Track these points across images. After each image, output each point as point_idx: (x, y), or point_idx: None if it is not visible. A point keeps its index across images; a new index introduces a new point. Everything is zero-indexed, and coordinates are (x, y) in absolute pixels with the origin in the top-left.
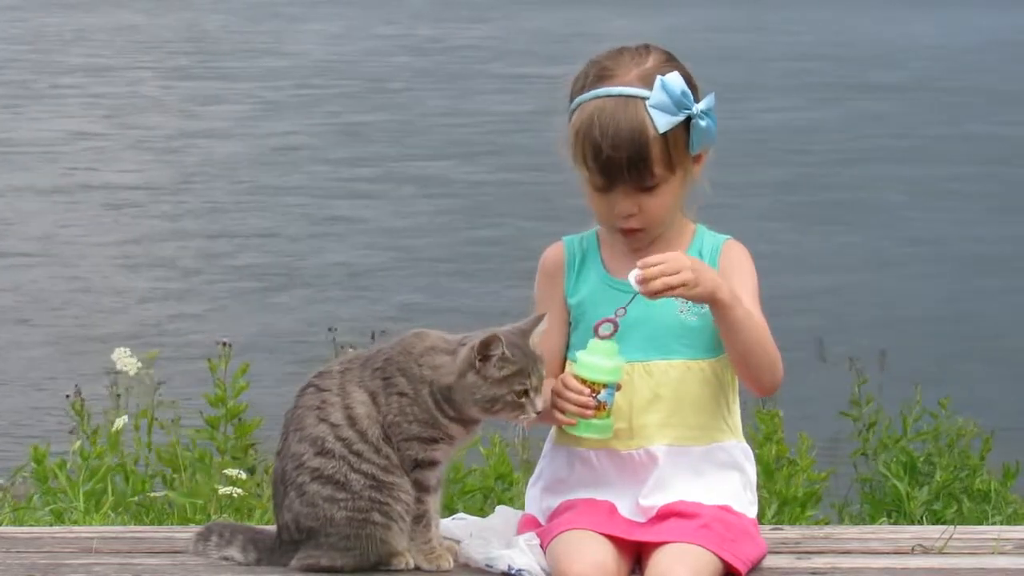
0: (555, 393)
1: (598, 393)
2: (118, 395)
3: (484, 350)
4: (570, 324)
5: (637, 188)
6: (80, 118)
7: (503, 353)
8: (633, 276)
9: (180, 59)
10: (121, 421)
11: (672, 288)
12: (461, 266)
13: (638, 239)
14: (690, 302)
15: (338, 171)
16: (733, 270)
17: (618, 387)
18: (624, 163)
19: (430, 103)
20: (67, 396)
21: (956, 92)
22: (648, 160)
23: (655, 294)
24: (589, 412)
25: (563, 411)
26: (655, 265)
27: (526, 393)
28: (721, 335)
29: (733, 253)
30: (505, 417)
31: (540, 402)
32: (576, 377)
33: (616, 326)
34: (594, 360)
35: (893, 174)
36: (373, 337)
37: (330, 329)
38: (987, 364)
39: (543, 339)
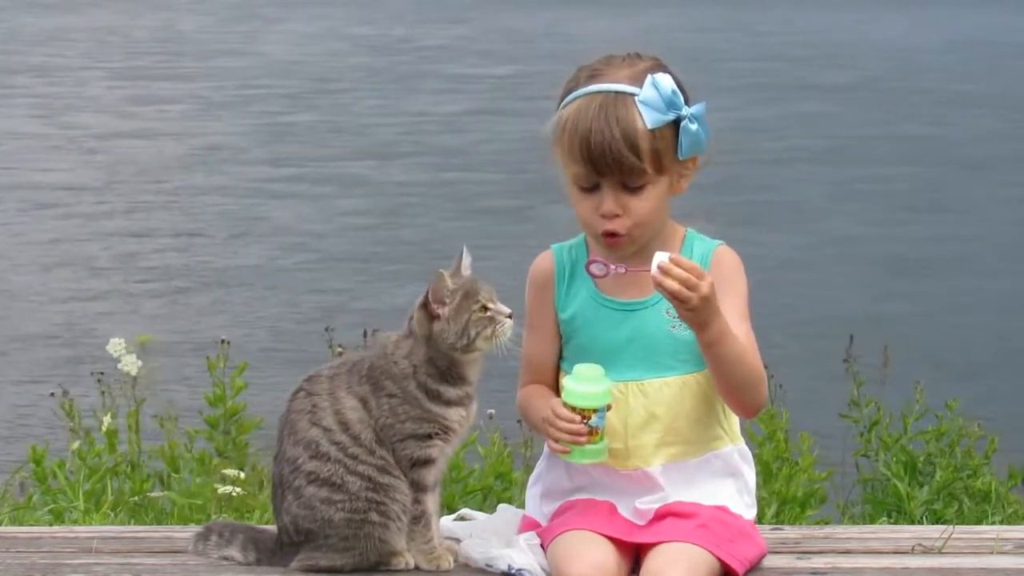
0: (546, 422)
1: (589, 419)
2: (102, 392)
3: (436, 296)
4: (561, 337)
5: (623, 187)
6: (16, 118)
7: (446, 286)
8: (658, 259)
9: (138, 59)
10: (108, 420)
11: (675, 297)
12: (376, 266)
13: (621, 247)
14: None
15: (261, 171)
16: (724, 279)
17: (608, 407)
18: (612, 156)
19: (367, 103)
20: (51, 394)
21: (901, 93)
22: (637, 155)
23: (660, 288)
24: (582, 439)
25: (556, 440)
26: (684, 270)
27: (485, 308)
28: (705, 360)
29: (725, 261)
30: (486, 341)
31: (504, 307)
32: (566, 405)
33: (607, 270)
34: (582, 387)
35: (816, 174)
36: (365, 335)
37: (327, 329)
38: (902, 365)
39: (536, 352)
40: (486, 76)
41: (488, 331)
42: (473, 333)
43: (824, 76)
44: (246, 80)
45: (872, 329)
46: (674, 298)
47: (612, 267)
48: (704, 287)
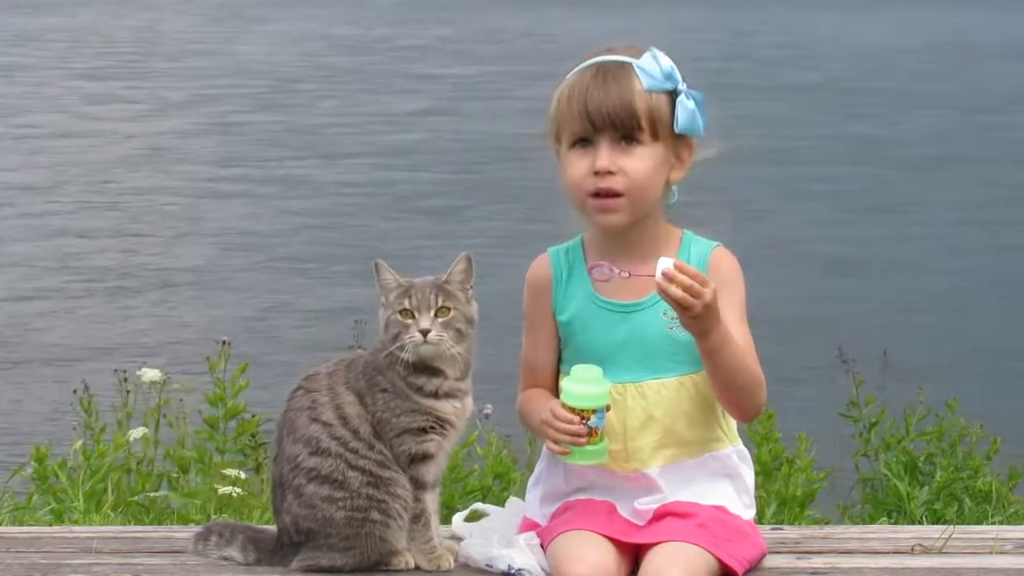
0: (545, 424)
1: (588, 420)
2: (128, 391)
3: (377, 274)
4: (560, 339)
5: (618, 144)
6: None
7: (384, 276)
8: (662, 265)
9: (109, 59)
10: (139, 432)
11: (678, 304)
12: (317, 266)
13: (615, 212)
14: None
15: (207, 171)
16: (722, 281)
17: (607, 408)
18: (608, 107)
19: (325, 104)
20: (74, 391)
21: (863, 93)
22: (633, 109)
23: (664, 294)
24: (582, 440)
25: (556, 441)
26: (688, 276)
27: (410, 314)
28: (704, 366)
29: (723, 264)
30: (401, 344)
31: (427, 322)
32: (565, 406)
33: (610, 274)
34: (580, 388)
35: (760, 175)
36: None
37: (356, 321)
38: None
39: (535, 355)
40: (450, 76)
41: (399, 335)
42: (393, 330)
43: (791, 76)
44: (211, 80)
45: (815, 329)
46: (678, 305)
47: (616, 271)
48: (708, 294)
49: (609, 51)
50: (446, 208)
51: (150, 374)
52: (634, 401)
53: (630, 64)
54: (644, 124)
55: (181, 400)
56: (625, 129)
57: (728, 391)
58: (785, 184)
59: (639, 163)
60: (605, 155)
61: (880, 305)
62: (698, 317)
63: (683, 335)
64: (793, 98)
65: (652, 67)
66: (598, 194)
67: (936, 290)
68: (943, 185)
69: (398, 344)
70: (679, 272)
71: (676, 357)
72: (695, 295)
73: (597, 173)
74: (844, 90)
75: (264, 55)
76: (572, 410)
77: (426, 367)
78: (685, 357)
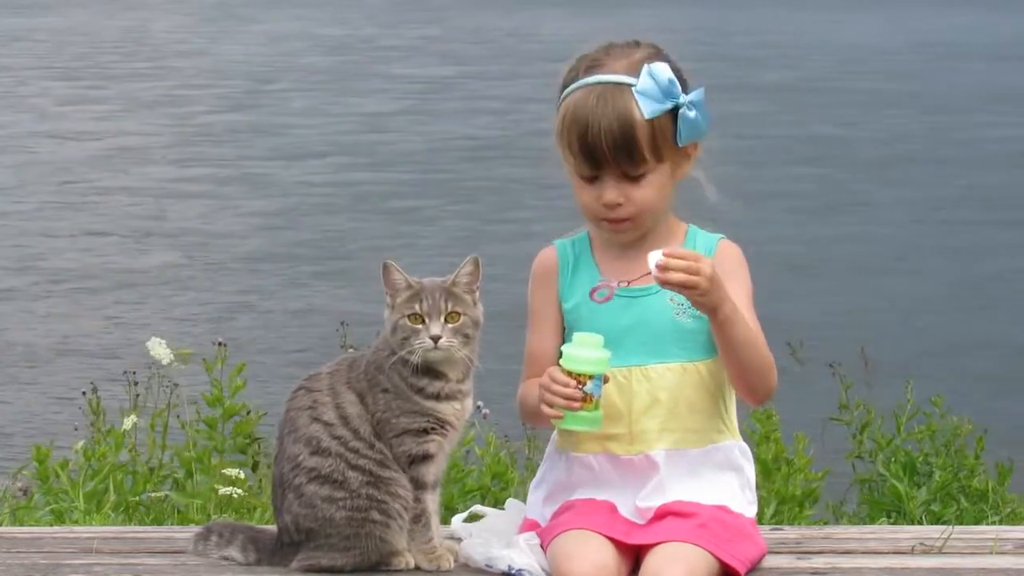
0: (542, 387)
1: (584, 385)
2: (137, 395)
3: (386, 283)
4: (565, 328)
5: (624, 177)
6: None
7: (394, 277)
8: (654, 258)
9: (90, 59)
10: (130, 421)
11: (684, 286)
12: (280, 267)
13: (626, 231)
14: (687, 304)
15: (171, 172)
16: (728, 273)
17: (605, 379)
18: (610, 147)
19: (295, 104)
20: (83, 393)
21: (832, 93)
22: (635, 145)
23: (667, 284)
24: (576, 404)
25: (551, 404)
26: (680, 258)
27: (420, 319)
28: (718, 346)
29: (728, 255)
30: (410, 349)
31: (437, 328)
32: (562, 370)
33: (612, 291)
34: (579, 352)
35: (724, 174)
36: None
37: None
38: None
39: (539, 347)
40: (427, 76)
41: (409, 339)
42: (401, 334)
43: (764, 76)
44: (186, 80)
45: (774, 329)
46: (683, 288)
47: (615, 285)
48: (706, 268)
49: (607, 54)
50: (409, 208)
51: (158, 349)
52: (639, 384)
53: (629, 89)
54: (648, 155)
55: (177, 390)
56: (629, 164)
57: (741, 370)
58: (737, 184)
59: (646, 191)
60: (612, 190)
61: (843, 305)
62: (706, 292)
63: (689, 322)
64: (761, 98)
65: (651, 89)
66: (609, 220)
67: (897, 290)
68: (902, 185)
69: (408, 349)
70: (671, 258)
71: (682, 343)
72: (694, 272)
73: (606, 205)
74: (814, 90)
75: (245, 55)
76: (569, 373)
77: (429, 369)
78: (691, 344)
